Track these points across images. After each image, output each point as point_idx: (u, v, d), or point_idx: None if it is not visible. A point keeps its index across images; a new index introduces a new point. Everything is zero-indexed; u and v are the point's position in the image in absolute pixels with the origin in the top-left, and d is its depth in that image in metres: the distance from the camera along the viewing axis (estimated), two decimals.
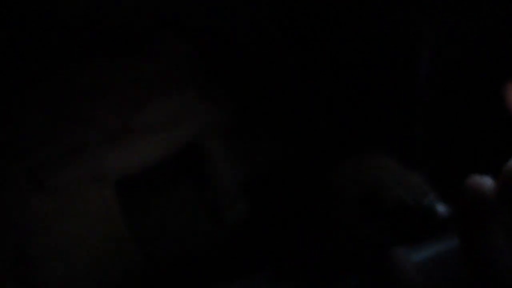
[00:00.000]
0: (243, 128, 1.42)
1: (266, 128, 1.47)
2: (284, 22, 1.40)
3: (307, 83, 1.43)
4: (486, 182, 0.51)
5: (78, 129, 1.15)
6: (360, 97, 1.38)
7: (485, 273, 0.51)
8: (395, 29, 1.23)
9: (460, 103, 1.02)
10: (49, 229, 1.10)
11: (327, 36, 1.37)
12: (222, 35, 1.42)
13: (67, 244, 1.11)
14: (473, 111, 0.96)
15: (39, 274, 1.10)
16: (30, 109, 1.16)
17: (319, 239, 1.01)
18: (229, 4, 1.40)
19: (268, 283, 1.14)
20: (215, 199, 1.33)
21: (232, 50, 1.42)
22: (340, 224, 0.88)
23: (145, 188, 1.32)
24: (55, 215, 1.11)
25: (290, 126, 1.51)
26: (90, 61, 1.23)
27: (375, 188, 0.79)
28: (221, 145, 1.35)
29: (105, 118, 1.17)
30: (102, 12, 1.37)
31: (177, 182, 1.38)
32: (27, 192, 1.09)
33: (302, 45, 1.40)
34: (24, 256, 1.09)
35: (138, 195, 1.32)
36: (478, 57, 0.93)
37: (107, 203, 1.15)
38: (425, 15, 1.11)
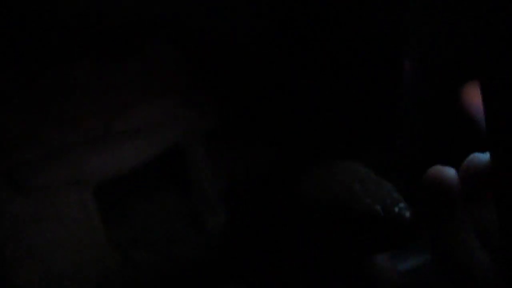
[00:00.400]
0: (226, 134, 1.40)
1: (249, 134, 1.45)
2: (273, 27, 1.39)
3: (292, 89, 1.42)
4: (448, 171, 0.49)
5: (58, 131, 1.14)
6: (346, 101, 1.37)
7: (457, 272, 0.48)
8: (386, 32, 1.22)
9: (440, 106, 1.00)
10: (26, 233, 1.08)
11: (316, 42, 1.36)
12: (208, 38, 1.41)
13: (45, 248, 1.09)
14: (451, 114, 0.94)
15: (16, 278, 1.08)
16: (10, 108, 1.15)
17: (297, 249, 0.99)
18: (217, 7, 1.40)
19: None
20: (196, 205, 1.31)
21: (216, 54, 1.41)
22: (312, 234, 0.86)
23: (125, 193, 1.31)
24: (33, 218, 1.09)
25: (273, 131, 1.50)
26: (74, 63, 1.23)
27: (343, 196, 0.77)
28: (204, 151, 1.33)
29: (86, 121, 1.15)
30: (88, 14, 1.37)
31: (159, 187, 1.36)
32: (4, 194, 1.07)
33: (290, 51, 1.38)
34: (1, 259, 1.08)
35: (118, 200, 1.30)
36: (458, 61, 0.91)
37: (87, 207, 1.14)
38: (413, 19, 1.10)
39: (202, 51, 1.39)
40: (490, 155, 0.44)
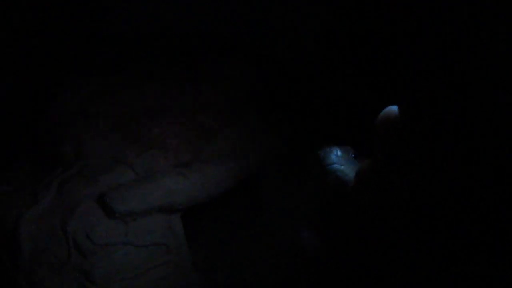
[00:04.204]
0: (299, 156, 1.36)
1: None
2: (346, 54, 1.34)
3: (364, 112, 1.39)
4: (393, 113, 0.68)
5: (148, 155, 1.09)
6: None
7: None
8: None
9: None
10: (115, 256, 1.02)
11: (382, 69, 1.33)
12: (285, 63, 1.35)
13: (133, 272, 1.03)
14: None
15: None
16: (99, 129, 1.10)
17: None
18: (292, 33, 1.35)
19: None
20: (272, 227, 1.26)
21: (292, 78, 1.36)
22: None
23: (209, 216, 1.26)
24: (122, 241, 1.03)
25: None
26: (159, 84, 1.17)
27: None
28: (280, 174, 1.28)
29: (175, 147, 1.10)
30: (169, 37, 1.30)
31: (239, 209, 1.32)
32: (95, 217, 1.02)
33: (361, 76, 1.34)
34: (87, 280, 1.01)
35: (202, 224, 1.26)
36: None
37: (175, 233, 1.07)
38: None
39: (277, 75, 1.33)
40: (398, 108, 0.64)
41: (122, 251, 1.03)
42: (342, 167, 0.86)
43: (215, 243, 1.26)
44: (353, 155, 0.90)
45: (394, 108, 0.73)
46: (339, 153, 0.88)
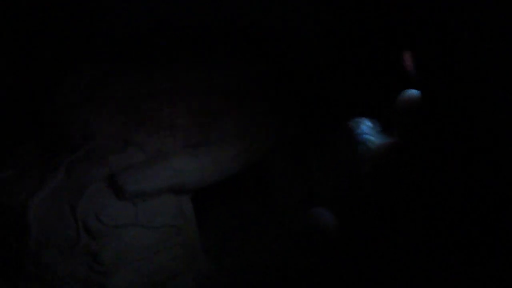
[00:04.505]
0: (307, 143, 1.34)
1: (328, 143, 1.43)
2: (355, 41, 1.32)
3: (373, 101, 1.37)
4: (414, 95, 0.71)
5: (158, 136, 1.09)
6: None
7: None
8: None
9: None
10: (124, 237, 1.02)
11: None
12: (293, 49, 1.34)
13: (141, 254, 1.04)
14: None
15: (109, 281, 1.02)
16: (107, 110, 1.11)
17: None
18: (303, 19, 1.33)
19: None
20: (280, 212, 1.26)
21: (301, 65, 1.34)
22: None
23: (218, 204, 1.26)
24: (132, 223, 1.03)
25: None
26: (167, 68, 1.18)
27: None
28: (287, 158, 1.29)
29: (185, 127, 1.10)
30: (175, 19, 1.28)
31: (248, 198, 1.31)
32: (105, 198, 1.02)
33: (370, 64, 1.32)
34: (96, 262, 1.02)
35: (212, 211, 1.26)
36: None
37: (184, 214, 1.07)
38: None
39: (286, 60, 1.33)
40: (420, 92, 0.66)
41: (132, 233, 1.04)
42: (373, 138, 0.86)
43: (224, 230, 1.26)
44: (380, 129, 0.90)
45: (414, 92, 0.73)
46: (369, 123, 0.88)
